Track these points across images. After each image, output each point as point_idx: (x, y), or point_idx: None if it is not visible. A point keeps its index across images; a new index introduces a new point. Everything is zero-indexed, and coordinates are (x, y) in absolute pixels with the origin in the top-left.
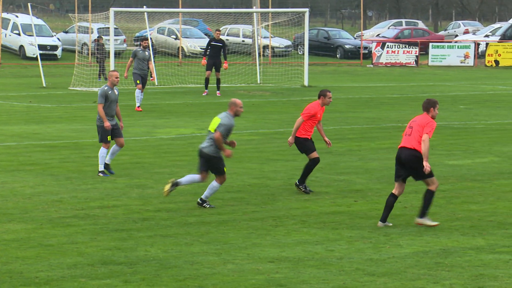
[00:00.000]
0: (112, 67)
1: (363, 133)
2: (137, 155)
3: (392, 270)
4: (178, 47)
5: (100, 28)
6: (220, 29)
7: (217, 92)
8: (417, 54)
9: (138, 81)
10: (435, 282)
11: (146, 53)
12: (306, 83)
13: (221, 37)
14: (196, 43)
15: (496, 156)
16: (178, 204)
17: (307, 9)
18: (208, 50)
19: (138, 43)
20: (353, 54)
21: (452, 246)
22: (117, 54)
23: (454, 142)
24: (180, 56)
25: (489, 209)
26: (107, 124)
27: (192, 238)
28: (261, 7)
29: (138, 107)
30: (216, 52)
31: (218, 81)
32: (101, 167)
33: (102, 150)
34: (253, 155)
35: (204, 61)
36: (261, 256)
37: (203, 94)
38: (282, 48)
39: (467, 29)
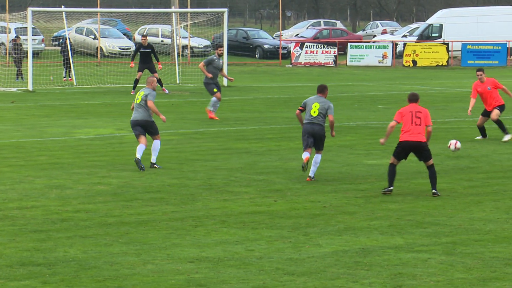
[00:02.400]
0: (30, 67)
1: (282, 133)
2: (56, 156)
3: (312, 269)
4: (97, 47)
5: (18, 28)
6: (140, 30)
7: (163, 89)
8: (335, 54)
9: (215, 90)
10: (355, 281)
11: (221, 61)
12: (225, 83)
13: (150, 42)
14: (115, 43)
15: (413, 155)
16: (97, 205)
17: (225, 9)
18: (138, 57)
19: (212, 50)
20: (272, 54)
21: (371, 245)
22: (35, 54)
23: (373, 141)
24: (99, 56)
25: (407, 208)
26: (163, 117)
27: (111, 238)
28: (180, 7)
29: (213, 114)
30: (146, 57)
31: (159, 81)
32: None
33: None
34: (172, 155)
35: (132, 64)
36: (181, 256)
37: (132, 93)
38: (201, 48)
39: (385, 29)
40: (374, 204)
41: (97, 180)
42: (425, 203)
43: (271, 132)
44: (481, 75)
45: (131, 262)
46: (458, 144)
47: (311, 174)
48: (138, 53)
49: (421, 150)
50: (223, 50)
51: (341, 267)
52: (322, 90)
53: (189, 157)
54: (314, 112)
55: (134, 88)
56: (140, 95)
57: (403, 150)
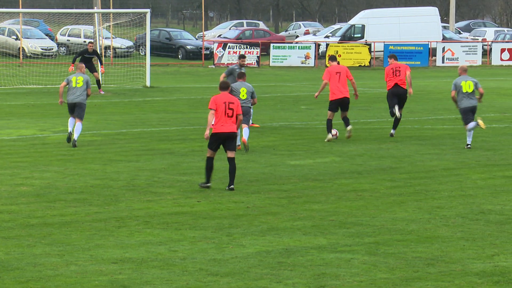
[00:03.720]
0: None
1: None
2: None
3: (235, 270)
4: (19, 48)
5: None
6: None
7: (100, 90)
8: (258, 55)
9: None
10: (278, 282)
11: (243, 70)
12: (148, 83)
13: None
14: (37, 44)
15: (337, 156)
16: (20, 206)
17: (148, 10)
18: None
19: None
20: (195, 54)
21: (295, 246)
22: None
23: (296, 142)
24: (21, 57)
25: (330, 209)
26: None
27: (34, 239)
28: (102, 8)
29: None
30: (87, 60)
31: (98, 82)
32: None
33: None
34: (95, 156)
35: (72, 67)
36: (104, 257)
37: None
38: (123, 48)
39: (307, 30)
40: (297, 205)
41: (19, 181)
42: (348, 203)
43: (194, 132)
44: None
45: (54, 263)
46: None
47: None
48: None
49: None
50: (245, 60)
51: (265, 268)
52: (242, 76)
53: (112, 158)
54: (243, 96)
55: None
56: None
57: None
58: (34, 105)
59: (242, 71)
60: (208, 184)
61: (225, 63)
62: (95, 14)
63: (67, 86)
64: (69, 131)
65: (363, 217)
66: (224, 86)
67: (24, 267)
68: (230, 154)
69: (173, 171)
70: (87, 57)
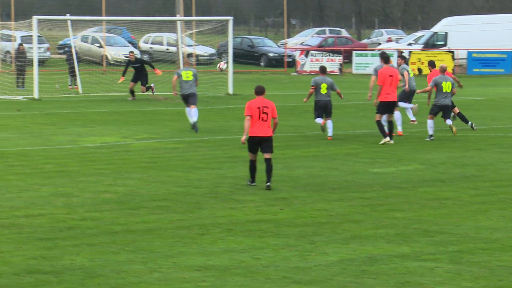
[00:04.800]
0: (36, 76)
1: (288, 141)
2: (62, 164)
3: (319, 278)
4: (102, 55)
5: (24, 36)
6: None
7: (134, 96)
8: (341, 62)
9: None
10: None
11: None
12: (230, 91)
13: (136, 55)
14: (120, 51)
15: (419, 163)
16: (104, 213)
17: (231, 17)
18: (131, 70)
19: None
20: (277, 62)
21: (378, 254)
22: (41, 62)
23: (378, 150)
24: (104, 64)
25: (413, 217)
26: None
27: (118, 246)
28: (185, 15)
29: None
30: (138, 71)
31: (148, 89)
32: None
33: None
34: (178, 163)
35: (122, 79)
36: (187, 264)
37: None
38: (206, 56)
39: (390, 38)
40: (380, 213)
41: (103, 188)
42: (431, 211)
43: (276, 140)
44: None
45: (137, 271)
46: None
47: (331, 134)
48: (127, 68)
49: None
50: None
51: (348, 276)
52: (323, 70)
53: (195, 165)
54: (323, 91)
55: (132, 95)
56: (189, 74)
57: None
58: (118, 113)
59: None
60: (254, 184)
61: (307, 71)
62: (178, 21)
63: (179, 79)
64: (190, 122)
65: (446, 226)
66: (259, 91)
67: (108, 274)
68: (266, 155)
69: (256, 179)
70: (134, 66)
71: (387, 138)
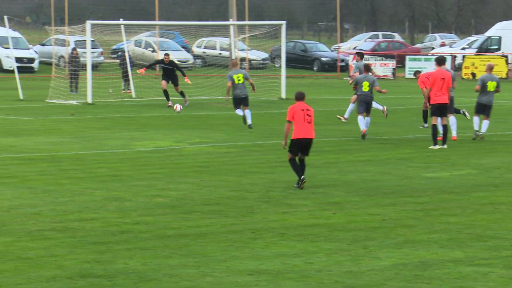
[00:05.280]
0: (89, 80)
1: (340, 145)
2: (115, 168)
3: (371, 282)
4: (155, 60)
5: (77, 40)
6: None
7: (185, 100)
8: (394, 67)
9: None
10: None
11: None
12: (283, 95)
13: (171, 59)
14: (173, 56)
15: (473, 168)
16: (156, 217)
17: (284, 22)
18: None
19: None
20: (330, 66)
21: (431, 259)
22: (94, 67)
23: (432, 154)
24: (158, 69)
25: (467, 222)
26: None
27: (170, 250)
28: (238, 20)
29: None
30: (169, 73)
31: (182, 93)
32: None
33: None
34: (230, 168)
35: (142, 71)
36: (240, 268)
37: (169, 105)
38: (259, 60)
39: (443, 42)
40: (433, 217)
41: (156, 192)
42: (485, 216)
43: (329, 144)
44: None
45: (190, 275)
46: (178, 108)
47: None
48: (162, 68)
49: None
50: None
51: (401, 281)
52: (367, 68)
53: (248, 169)
54: (365, 88)
55: (168, 99)
56: (240, 76)
57: (437, 108)
58: (170, 117)
59: (367, 62)
60: (303, 177)
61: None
62: (231, 26)
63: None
64: (248, 122)
65: (500, 231)
66: (300, 96)
67: (161, 278)
68: (303, 156)
69: (308, 183)
70: (165, 67)
71: (436, 146)
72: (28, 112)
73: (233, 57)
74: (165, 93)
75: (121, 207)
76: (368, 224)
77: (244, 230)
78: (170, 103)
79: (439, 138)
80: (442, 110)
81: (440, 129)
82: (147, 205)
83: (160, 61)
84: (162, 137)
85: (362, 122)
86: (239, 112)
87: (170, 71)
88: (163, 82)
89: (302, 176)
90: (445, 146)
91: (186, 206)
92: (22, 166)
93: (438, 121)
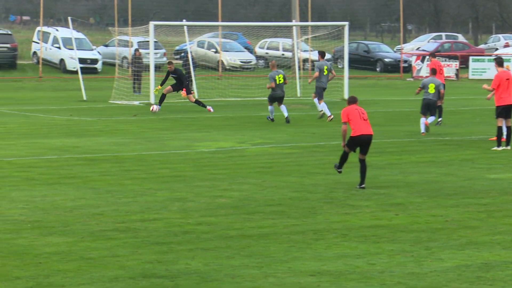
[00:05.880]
0: (152, 81)
1: (403, 146)
2: (177, 168)
3: (434, 284)
4: (218, 61)
5: (140, 41)
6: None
7: (208, 107)
8: (457, 68)
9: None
10: None
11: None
12: (346, 96)
13: (175, 67)
14: (236, 57)
15: None
16: (219, 218)
17: (346, 23)
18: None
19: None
20: (393, 67)
21: (494, 260)
22: (157, 67)
23: (495, 155)
24: (220, 70)
25: None
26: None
27: (232, 251)
28: (300, 21)
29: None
30: (178, 81)
31: (197, 102)
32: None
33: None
34: (293, 169)
35: (159, 87)
36: (302, 269)
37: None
38: None
39: (507, 43)
40: (496, 219)
41: (218, 193)
42: None
43: (391, 145)
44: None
45: (252, 275)
46: (155, 108)
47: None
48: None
49: None
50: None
51: (463, 282)
52: (434, 72)
53: (310, 170)
54: (431, 90)
55: (204, 106)
56: (280, 77)
57: (503, 110)
58: (233, 118)
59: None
60: (340, 170)
61: (424, 76)
62: (294, 27)
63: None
64: (285, 116)
65: None
66: (352, 100)
67: (223, 279)
68: (362, 156)
69: (370, 184)
70: (173, 76)
71: (500, 148)
72: (91, 113)
73: (296, 58)
74: (197, 102)
75: (183, 208)
76: (430, 225)
77: (306, 231)
78: (209, 108)
79: (502, 139)
80: (507, 111)
81: (504, 130)
82: (210, 205)
83: (168, 73)
84: (224, 138)
85: (423, 124)
86: (271, 108)
87: (177, 79)
88: (184, 93)
89: (363, 185)
90: (509, 147)
91: (249, 206)
92: (85, 167)
93: (503, 122)
